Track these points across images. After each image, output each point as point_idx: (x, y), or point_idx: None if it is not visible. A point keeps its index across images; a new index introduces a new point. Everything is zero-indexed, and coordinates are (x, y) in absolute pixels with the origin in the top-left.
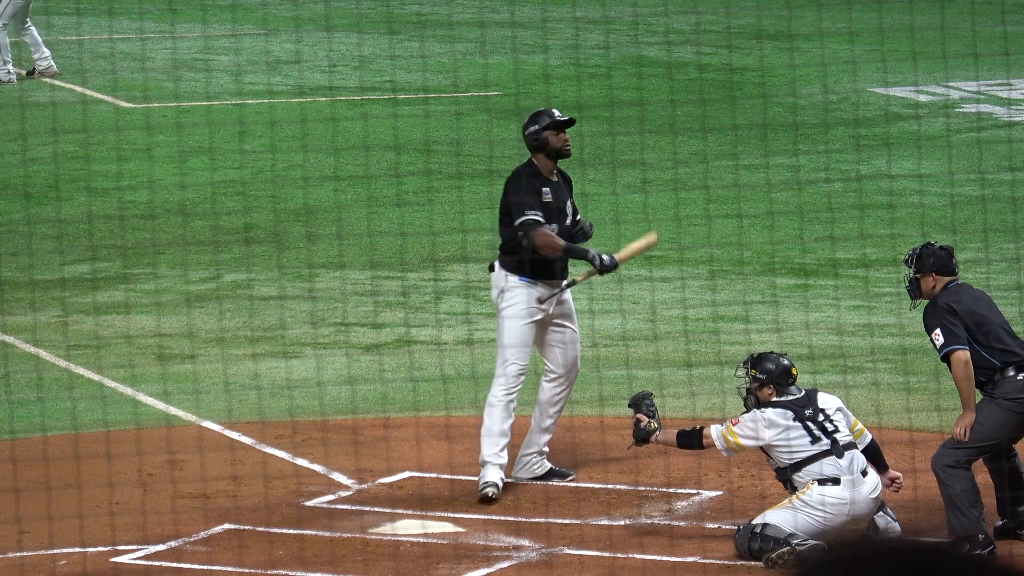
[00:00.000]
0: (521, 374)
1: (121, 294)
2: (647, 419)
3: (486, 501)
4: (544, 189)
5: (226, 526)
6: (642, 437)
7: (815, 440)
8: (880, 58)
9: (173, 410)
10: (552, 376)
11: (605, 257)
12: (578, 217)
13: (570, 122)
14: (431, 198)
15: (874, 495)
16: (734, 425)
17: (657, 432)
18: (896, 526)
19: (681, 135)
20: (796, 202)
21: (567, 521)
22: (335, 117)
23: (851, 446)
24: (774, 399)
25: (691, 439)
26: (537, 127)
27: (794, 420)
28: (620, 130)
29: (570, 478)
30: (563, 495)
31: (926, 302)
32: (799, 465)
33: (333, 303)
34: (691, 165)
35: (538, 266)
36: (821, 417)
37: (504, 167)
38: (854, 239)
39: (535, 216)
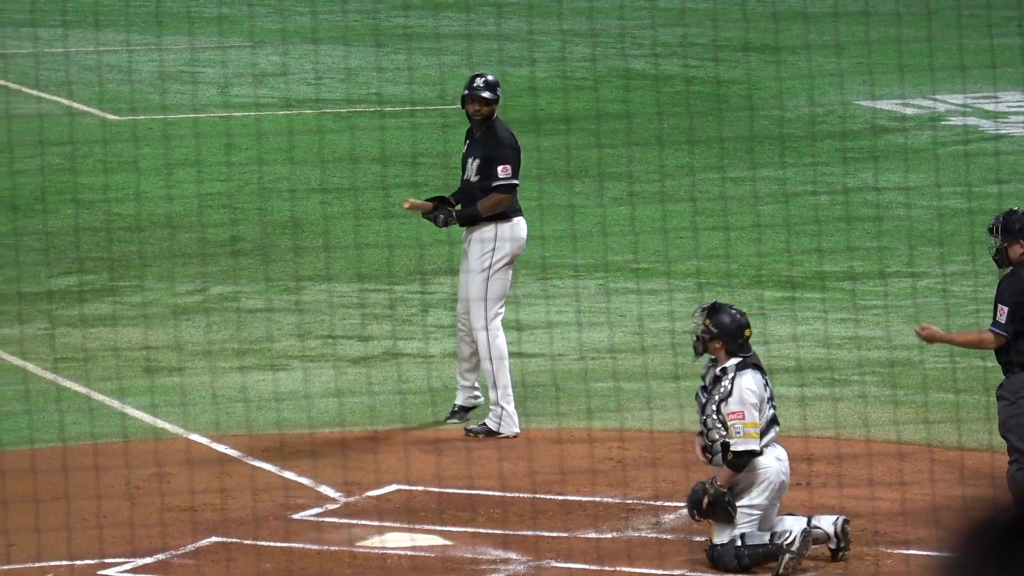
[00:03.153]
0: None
1: (108, 306)
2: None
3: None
4: (467, 141)
5: (214, 539)
6: (717, 508)
7: (771, 404)
8: (867, 71)
9: (160, 423)
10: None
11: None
12: (496, 183)
13: (473, 97)
14: None
15: (785, 455)
16: (739, 419)
17: (715, 482)
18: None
19: (668, 147)
20: (783, 215)
21: (555, 534)
22: (322, 129)
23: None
24: (743, 358)
25: (738, 465)
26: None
27: (765, 385)
28: (607, 142)
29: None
30: (551, 508)
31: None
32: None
33: (320, 316)
34: (678, 177)
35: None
36: (768, 380)
37: None
38: (841, 252)
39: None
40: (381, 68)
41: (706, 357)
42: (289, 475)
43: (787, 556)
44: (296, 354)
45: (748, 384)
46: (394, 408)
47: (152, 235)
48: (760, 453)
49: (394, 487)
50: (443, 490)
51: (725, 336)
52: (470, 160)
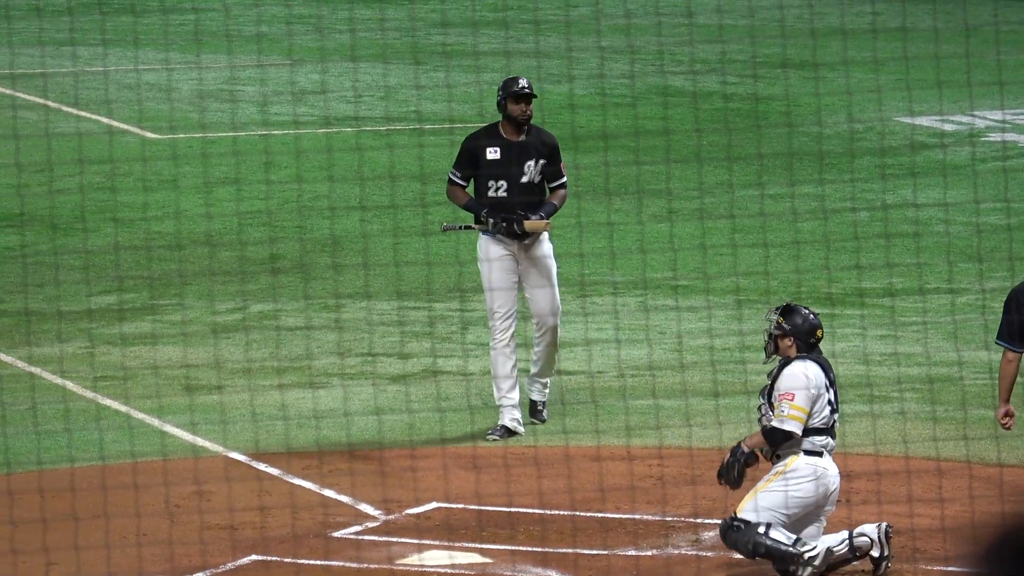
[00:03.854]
0: (507, 317)
1: (148, 325)
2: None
3: (509, 434)
4: (491, 148)
5: (253, 557)
6: (741, 463)
7: (833, 411)
8: (905, 87)
9: (200, 441)
10: (533, 321)
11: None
12: (560, 181)
13: (527, 96)
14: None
15: (837, 470)
16: (788, 400)
17: (743, 449)
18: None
19: (707, 164)
20: (822, 231)
21: (594, 552)
22: (361, 147)
23: (835, 432)
24: (805, 355)
25: (774, 438)
26: (501, 94)
27: (827, 384)
28: (646, 159)
29: (536, 423)
30: (591, 525)
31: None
32: (806, 432)
33: (360, 333)
34: (717, 194)
35: (496, 216)
36: (836, 388)
37: None
38: (880, 268)
39: (451, 174)
40: (420, 86)
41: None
42: (328, 493)
43: (806, 569)
44: (335, 372)
45: (805, 370)
46: (433, 426)
47: (192, 253)
48: (797, 436)
49: (433, 505)
50: (482, 508)
51: (797, 334)
52: (529, 163)
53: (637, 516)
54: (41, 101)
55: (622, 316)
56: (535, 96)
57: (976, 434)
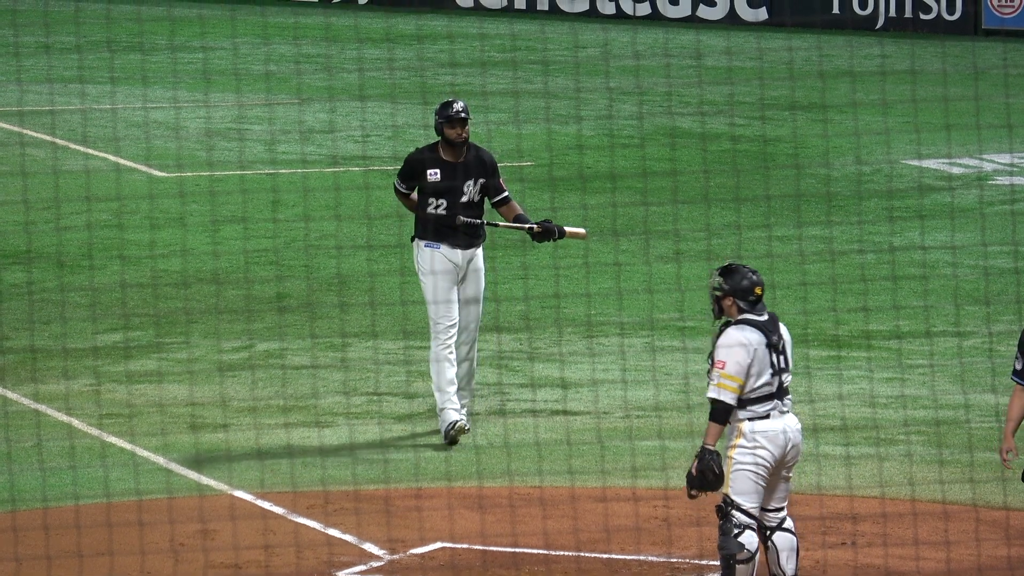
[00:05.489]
0: (450, 327)
1: (154, 363)
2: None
3: (454, 443)
4: (432, 171)
5: None
6: (705, 468)
7: (774, 373)
8: (913, 129)
9: (205, 479)
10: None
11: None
12: (505, 194)
13: (463, 120)
14: None
15: (798, 425)
16: (720, 368)
17: (706, 449)
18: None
19: (714, 205)
20: (829, 273)
21: None
22: (368, 186)
23: (786, 391)
24: (745, 317)
25: (716, 416)
26: (437, 118)
27: (765, 345)
28: (653, 200)
29: (457, 426)
30: (596, 567)
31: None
32: (747, 403)
33: (366, 372)
34: (724, 236)
35: (439, 231)
36: (781, 347)
37: None
38: (887, 310)
39: (397, 184)
40: (427, 125)
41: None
42: (333, 532)
43: (737, 565)
44: (341, 411)
45: (741, 336)
46: (438, 465)
47: (198, 291)
48: (731, 408)
49: (438, 544)
50: (487, 548)
51: (735, 292)
52: (469, 183)
53: (642, 557)
54: (49, 138)
55: (629, 357)
56: (469, 119)
57: (982, 477)
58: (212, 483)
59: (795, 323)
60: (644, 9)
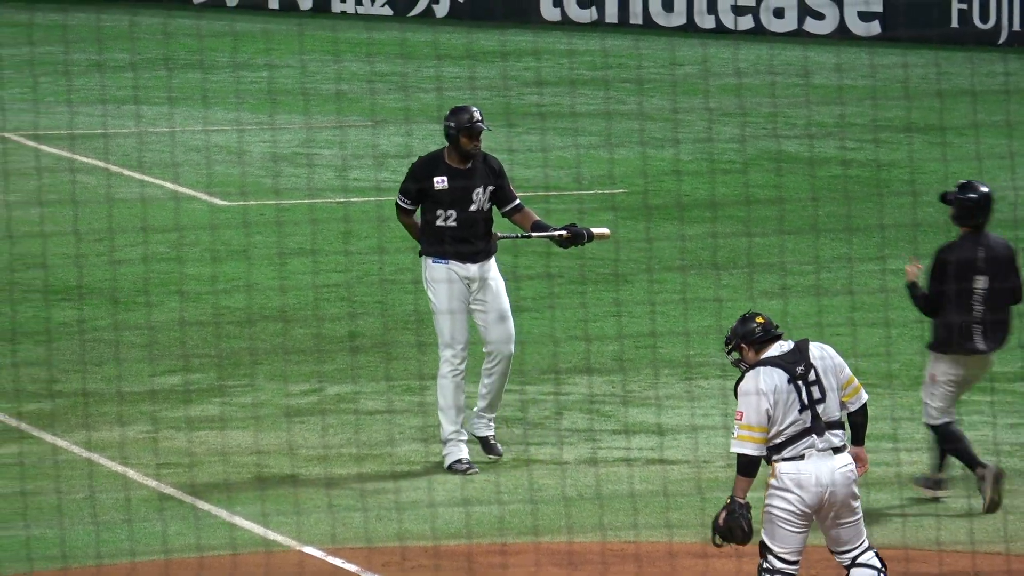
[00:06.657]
0: (465, 346)
1: (216, 408)
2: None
3: (456, 472)
4: (439, 178)
5: None
6: (733, 524)
7: (803, 408)
8: None
9: (272, 534)
10: (485, 349)
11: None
12: (516, 202)
13: (481, 131)
14: (552, 303)
15: (844, 469)
16: (737, 420)
17: (737, 502)
18: None
19: (823, 236)
20: None
21: None
22: None
23: (836, 425)
24: (763, 357)
25: (743, 470)
26: (453, 124)
27: (787, 381)
28: (757, 230)
29: (493, 458)
30: None
31: None
32: (781, 446)
33: None
34: (834, 269)
35: (448, 245)
36: (811, 377)
37: (629, 270)
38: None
39: (399, 200)
40: (512, 149)
41: None
42: None
43: None
44: (419, 459)
45: (756, 384)
46: (525, 519)
47: (263, 330)
48: (758, 460)
49: None
50: None
51: (743, 338)
52: (478, 190)
53: None
54: (102, 164)
55: (730, 401)
56: (484, 128)
57: None
58: (279, 538)
59: (913, 364)
60: (746, 23)
